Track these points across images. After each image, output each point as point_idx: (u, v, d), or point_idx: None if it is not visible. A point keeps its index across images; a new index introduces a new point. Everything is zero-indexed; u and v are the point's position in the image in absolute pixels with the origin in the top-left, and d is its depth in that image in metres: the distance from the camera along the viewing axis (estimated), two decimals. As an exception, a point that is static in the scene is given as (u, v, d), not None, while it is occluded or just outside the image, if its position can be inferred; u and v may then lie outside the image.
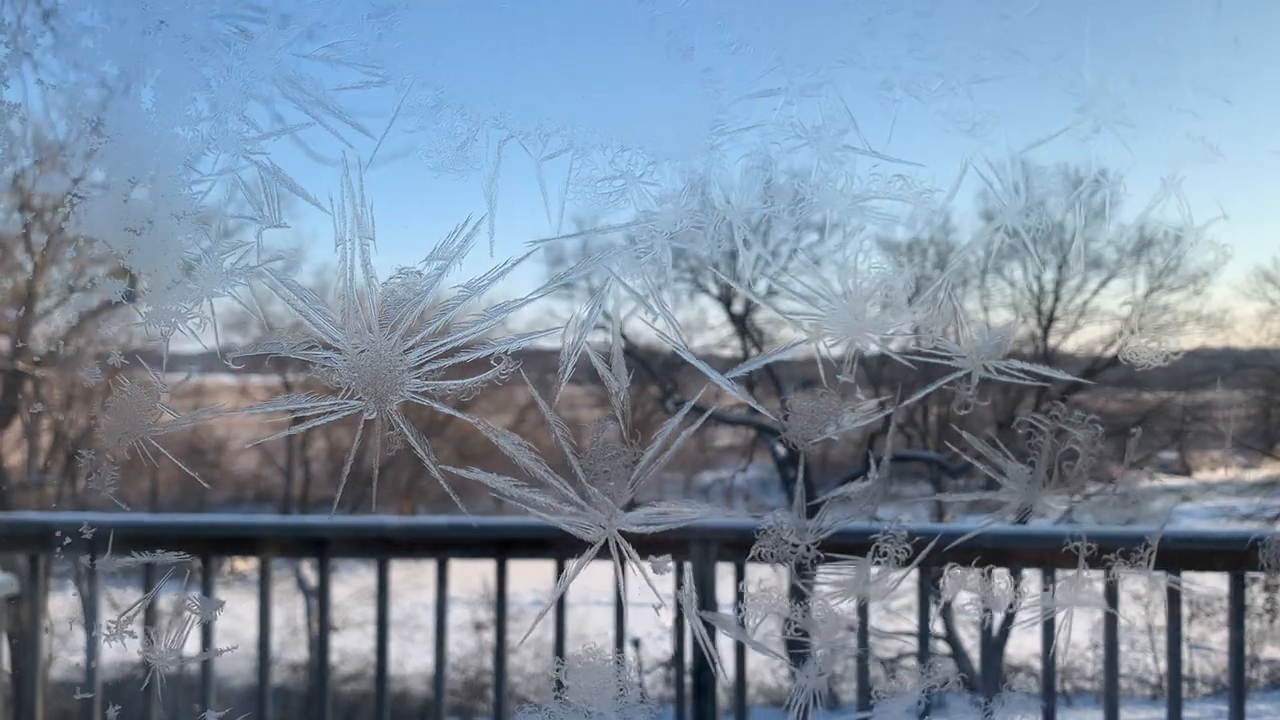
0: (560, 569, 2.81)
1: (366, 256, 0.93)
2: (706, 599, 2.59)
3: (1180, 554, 2.62)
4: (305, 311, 0.91)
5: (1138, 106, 0.88)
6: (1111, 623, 2.67)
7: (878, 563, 0.96)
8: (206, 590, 2.88)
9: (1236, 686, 2.57)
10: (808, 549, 0.92)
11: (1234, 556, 2.62)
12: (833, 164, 0.91)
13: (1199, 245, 0.92)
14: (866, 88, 0.92)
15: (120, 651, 1.13)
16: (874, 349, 0.92)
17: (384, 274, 0.94)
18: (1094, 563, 1.05)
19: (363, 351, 0.92)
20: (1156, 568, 1.08)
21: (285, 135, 0.95)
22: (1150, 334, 1.00)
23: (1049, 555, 2.30)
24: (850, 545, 0.99)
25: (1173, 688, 2.61)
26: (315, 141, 0.98)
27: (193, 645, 1.21)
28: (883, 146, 0.92)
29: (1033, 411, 0.95)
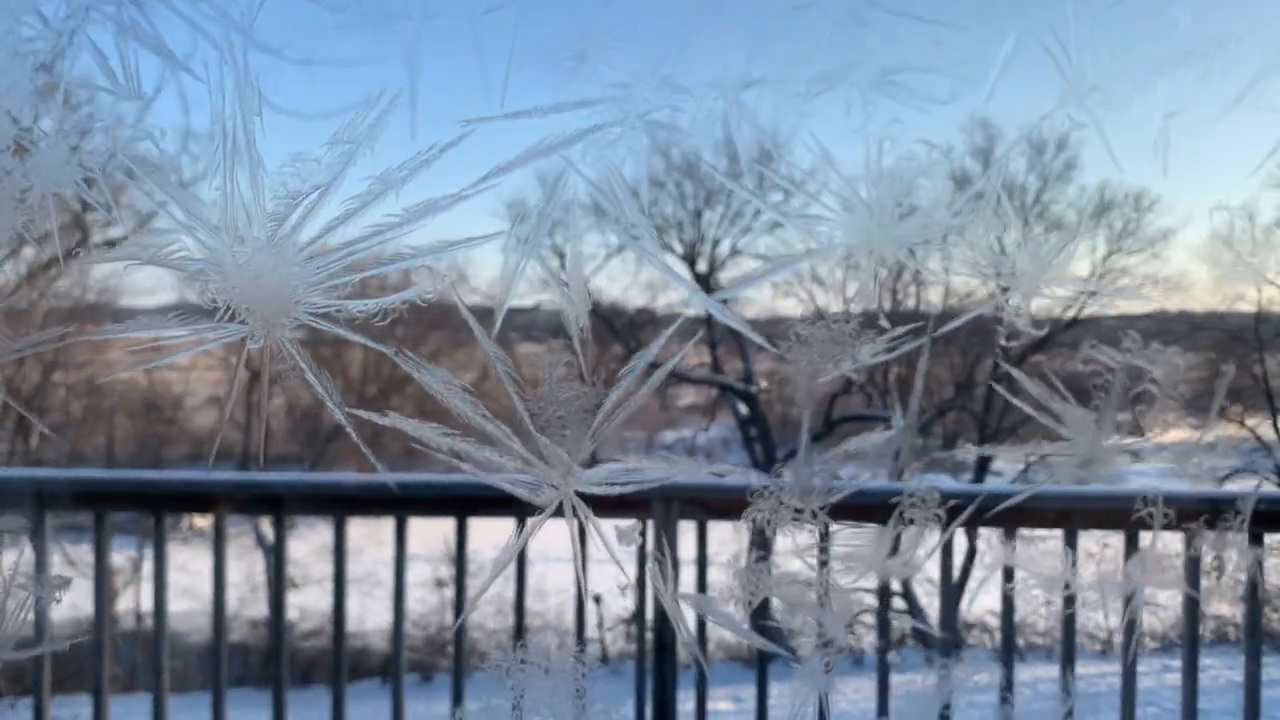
0: (522, 527, 2.64)
1: (251, 138, 0.72)
2: (670, 560, 2.44)
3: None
4: (168, 205, 0.71)
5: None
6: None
7: (901, 530, 0.78)
8: (159, 547, 2.68)
9: (1190, 642, 2.48)
10: (814, 514, 0.74)
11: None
12: (855, 27, 0.71)
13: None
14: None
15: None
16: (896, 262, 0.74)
17: (273, 162, 0.73)
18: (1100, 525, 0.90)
19: (246, 261, 0.71)
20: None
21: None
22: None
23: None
24: (866, 509, 0.81)
25: (1128, 642, 2.52)
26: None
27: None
28: (915, 4, 0.72)
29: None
